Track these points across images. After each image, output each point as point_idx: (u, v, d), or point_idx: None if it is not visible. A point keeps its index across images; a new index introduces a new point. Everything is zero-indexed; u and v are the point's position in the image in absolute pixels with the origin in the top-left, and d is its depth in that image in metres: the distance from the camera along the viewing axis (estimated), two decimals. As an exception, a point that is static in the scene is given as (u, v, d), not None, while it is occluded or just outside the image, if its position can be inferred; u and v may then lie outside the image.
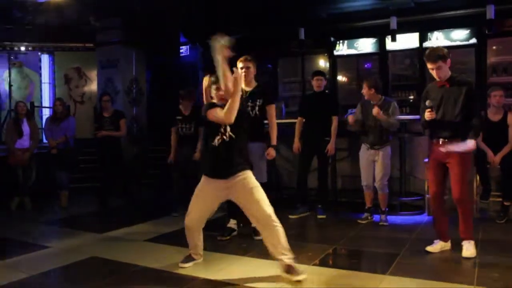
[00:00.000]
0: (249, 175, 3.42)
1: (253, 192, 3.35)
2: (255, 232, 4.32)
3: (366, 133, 5.00)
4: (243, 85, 4.47)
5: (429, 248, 3.88)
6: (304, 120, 5.53)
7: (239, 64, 4.43)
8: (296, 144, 5.49)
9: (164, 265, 3.71)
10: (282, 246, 3.29)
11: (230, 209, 4.58)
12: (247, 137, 4.27)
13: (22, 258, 4.05)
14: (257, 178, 4.24)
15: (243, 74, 4.37)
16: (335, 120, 5.33)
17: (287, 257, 3.27)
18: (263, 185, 4.29)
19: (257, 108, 4.39)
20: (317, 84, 5.47)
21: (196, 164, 5.24)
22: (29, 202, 6.49)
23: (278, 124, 4.50)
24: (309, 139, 5.45)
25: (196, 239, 3.64)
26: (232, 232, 4.55)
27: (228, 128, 3.38)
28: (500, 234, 4.55)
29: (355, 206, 5.61)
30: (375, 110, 4.74)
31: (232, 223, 4.59)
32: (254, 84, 4.50)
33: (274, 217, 3.30)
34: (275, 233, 3.28)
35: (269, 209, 3.32)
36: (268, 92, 4.56)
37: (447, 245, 3.92)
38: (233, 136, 3.39)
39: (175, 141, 5.81)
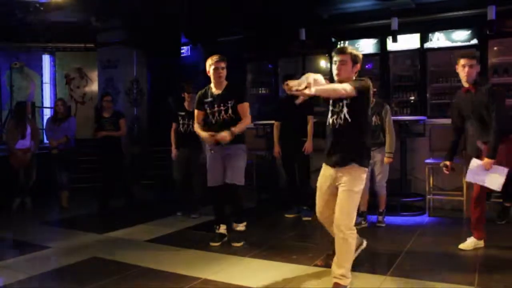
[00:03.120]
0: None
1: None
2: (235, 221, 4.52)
3: None
4: (212, 88, 4.25)
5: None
6: (280, 123, 5.56)
7: (211, 65, 4.13)
8: (276, 148, 5.60)
9: (165, 265, 3.71)
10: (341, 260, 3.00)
11: (218, 214, 4.45)
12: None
13: (22, 259, 4.05)
14: (234, 179, 4.18)
15: (219, 74, 4.13)
16: (310, 120, 5.33)
17: (339, 274, 2.99)
18: (238, 188, 4.25)
19: (230, 110, 4.15)
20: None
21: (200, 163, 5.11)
22: (30, 202, 6.50)
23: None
24: (287, 141, 5.48)
25: None
26: (223, 238, 4.35)
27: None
28: (501, 235, 4.54)
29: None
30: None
31: (222, 228, 4.39)
32: (224, 84, 4.23)
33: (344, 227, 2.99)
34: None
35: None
36: (239, 91, 4.28)
37: (480, 243, 3.98)
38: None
39: (175, 138, 5.68)
